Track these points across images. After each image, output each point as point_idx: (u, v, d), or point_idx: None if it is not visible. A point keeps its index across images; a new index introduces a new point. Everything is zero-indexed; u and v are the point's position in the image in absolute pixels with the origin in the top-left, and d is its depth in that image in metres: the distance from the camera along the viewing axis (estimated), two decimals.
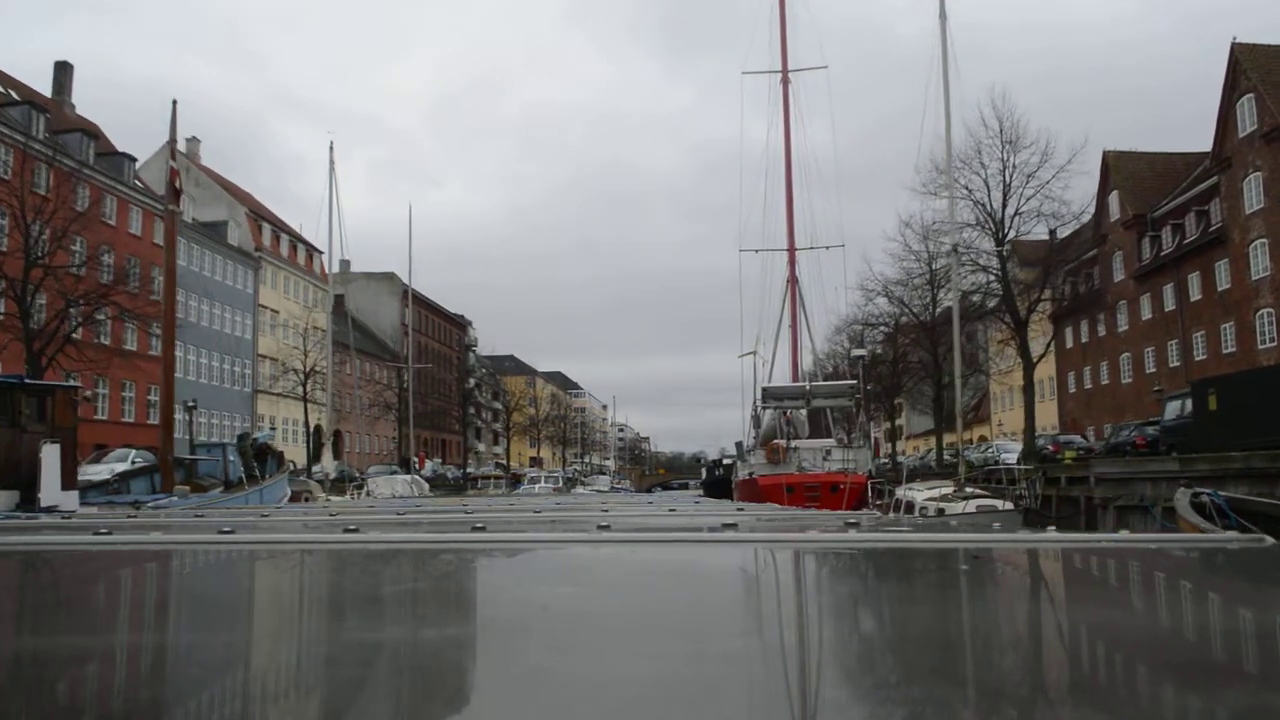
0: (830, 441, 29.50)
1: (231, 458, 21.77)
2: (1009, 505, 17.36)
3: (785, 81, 37.23)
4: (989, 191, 31.38)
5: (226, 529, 3.16)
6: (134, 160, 46.45)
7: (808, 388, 28.89)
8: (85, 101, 51.18)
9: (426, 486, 36.08)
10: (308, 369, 42.90)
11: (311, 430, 48.67)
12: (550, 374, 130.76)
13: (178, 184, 19.43)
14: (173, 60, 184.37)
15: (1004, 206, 31.54)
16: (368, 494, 31.02)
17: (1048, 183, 31.29)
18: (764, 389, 29.94)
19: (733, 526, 3.35)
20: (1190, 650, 1.37)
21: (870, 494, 23.31)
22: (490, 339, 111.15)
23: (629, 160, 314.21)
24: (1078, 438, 34.10)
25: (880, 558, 2.65)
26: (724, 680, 1.11)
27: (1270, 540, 2.50)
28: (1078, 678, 1.24)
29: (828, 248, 34.81)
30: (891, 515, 17.48)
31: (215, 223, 54.35)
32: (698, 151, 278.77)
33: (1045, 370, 59.84)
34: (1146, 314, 46.80)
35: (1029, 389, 31.54)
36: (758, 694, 1.07)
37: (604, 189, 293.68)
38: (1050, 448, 30.78)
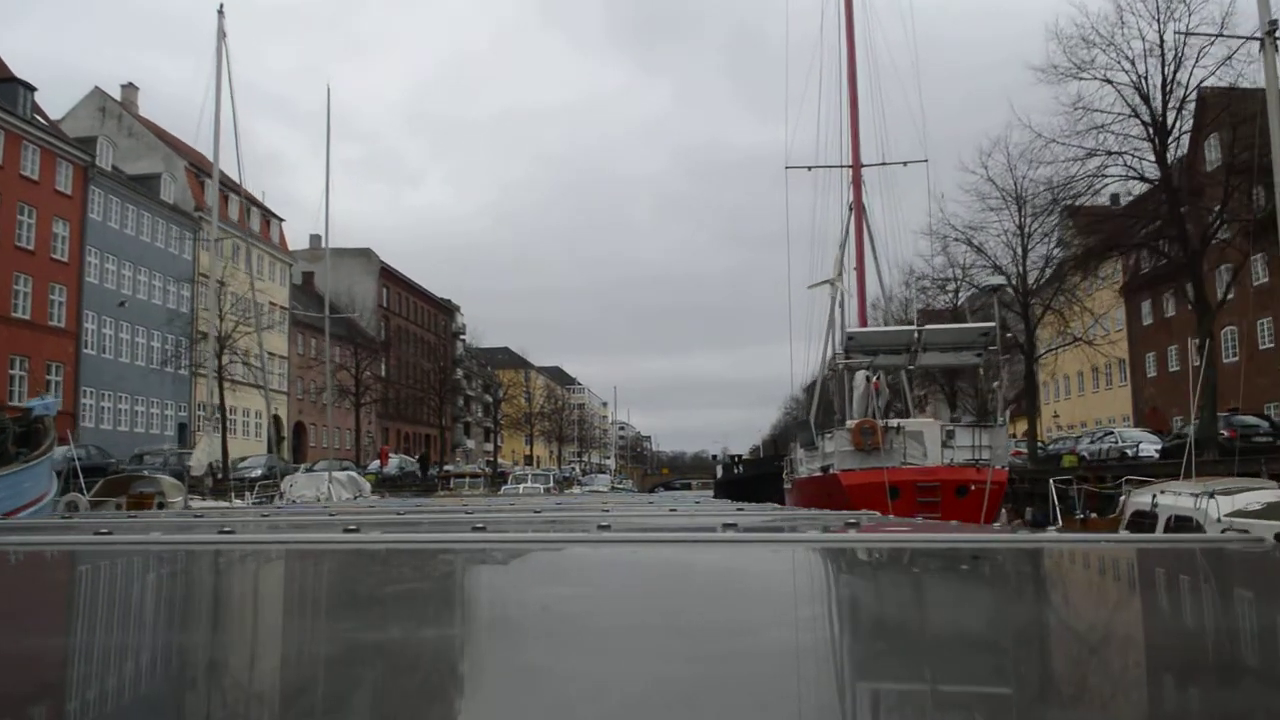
0: (933, 422, 20.04)
1: None
2: None
3: None
4: (1145, 79, 23.27)
5: (226, 529, 3.06)
6: (32, 90, 38.17)
7: (917, 335, 18.76)
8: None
9: (368, 487, 27.94)
10: (222, 336, 34.05)
11: (269, 420, 40.67)
12: (546, 369, 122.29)
13: None
14: (147, 57, 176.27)
15: (1165, 98, 23.48)
16: (281, 496, 22.92)
17: (1227, 59, 23.15)
18: (850, 335, 20.28)
19: (732, 526, 3.09)
20: (1189, 651, 1.35)
21: (1055, 499, 15.14)
22: (481, 332, 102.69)
23: (615, 157, 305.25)
24: (1263, 422, 25.77)
25: (881, 557, 2.61)
26: (725, 681, 1.11)
27: (1270, 541, 2.45)
28: (1076, 678, 1.22)
29: (904, 164, 25.89)
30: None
31: (146, 176, 46.20)
32: (680, 147, 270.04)
33: (1117, 350, 51.96)
34: (1261, 278, 38.69)
35: (1204, 347, 23.34)
36: (758, 695, 1.06)
37: (592, 188, 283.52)
38: (1226, 432, 22.53)
